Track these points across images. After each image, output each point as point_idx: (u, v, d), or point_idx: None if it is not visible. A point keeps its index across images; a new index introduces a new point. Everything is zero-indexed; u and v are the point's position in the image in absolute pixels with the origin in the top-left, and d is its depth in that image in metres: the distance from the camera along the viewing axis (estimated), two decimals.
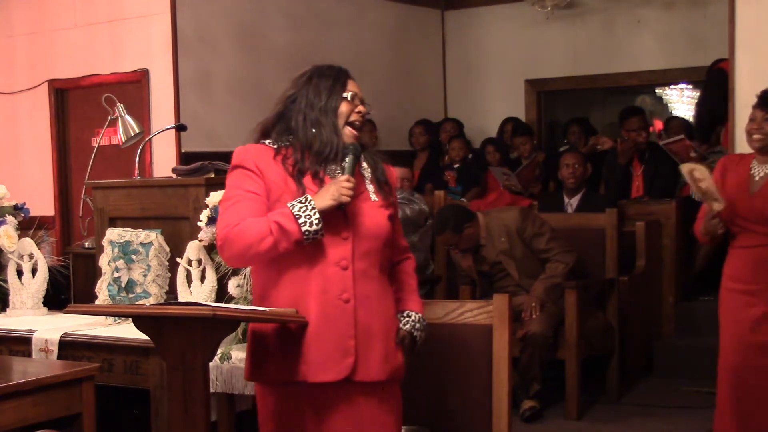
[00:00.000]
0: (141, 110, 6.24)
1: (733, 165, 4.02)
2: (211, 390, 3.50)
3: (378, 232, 2.71)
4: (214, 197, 3.98)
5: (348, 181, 2.63)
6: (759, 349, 3.89)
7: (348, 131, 2.73)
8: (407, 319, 2.80)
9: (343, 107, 2.72)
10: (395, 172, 2.89)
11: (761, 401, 3.89)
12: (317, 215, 2.58)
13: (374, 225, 2.70)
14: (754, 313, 3.89)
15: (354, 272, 2.66)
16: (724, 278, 4.03)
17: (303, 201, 2.61)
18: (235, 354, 3.70)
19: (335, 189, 2.61)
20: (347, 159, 2.69)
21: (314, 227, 2.58)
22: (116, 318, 4.18)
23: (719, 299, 4.05)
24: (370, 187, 2.75)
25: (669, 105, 10.06)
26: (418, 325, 2.80)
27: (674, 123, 7.55)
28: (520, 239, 5.42)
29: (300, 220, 2.58)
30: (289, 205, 2.61)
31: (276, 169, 2.70)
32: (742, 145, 4.01)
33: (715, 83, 5.79)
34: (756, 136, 3.89)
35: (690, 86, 9.39)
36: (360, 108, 2.75)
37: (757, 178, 3.93)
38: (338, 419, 2.68)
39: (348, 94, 2.73)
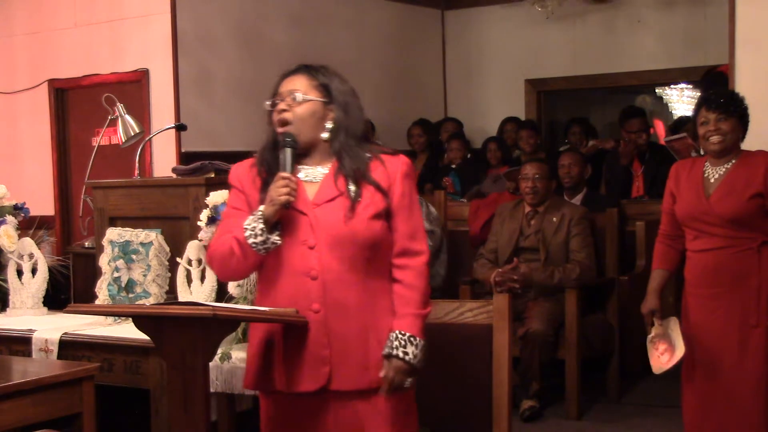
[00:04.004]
0: (141, 110, 6.24)
1: (686, 170, 4.01)
2: (211, 390, 3.51)
3: (352, 238, 2.60)
4: (214, 197, 3.98)
5: (281, 178, 2.57)
6: (723, 354, 3.88)
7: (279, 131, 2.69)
8: (386, 343, 2.63)
9: (273, 116, 2.70)
10: (397, 162, 2.71)
11: (730, 404, 3.89)
12: (261, 225, 2.57)
13: (346, 230, 2.60)
14: (717, 317, 3.89)
15: (324, 281, 2.59)
16: (686, 284, 4.03)
17: (256, 212, 2.61)
18: (235, 354, 3.70)
19: (272, 192, 2.58)
20: (282, 154, 2.64)
21: (259, 238, 2.57)
22: (116, 318, 4.18)
23: (682, 304, 4.05)
24: (351, 188, 2.64)
25: (669, 105, 10.06)
26: (396, 343, 2.61)
27: (689, 125, 7.52)
28: (567, 229, 5.53)
29: (246, 233, 2.58)
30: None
31: (253, 181, 2.72)
32: (744, 144, 4.01)
33: (714, 85, 5.79)
34: (714, 138, 3.85)
35: (690, 86, 9.39)
36: (278, 107, 2.68)
37: (712, 180, 3.92)
38: (324, 429, 2.66)
39: (269, 103, 2.70)
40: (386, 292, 2.67)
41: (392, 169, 2.69)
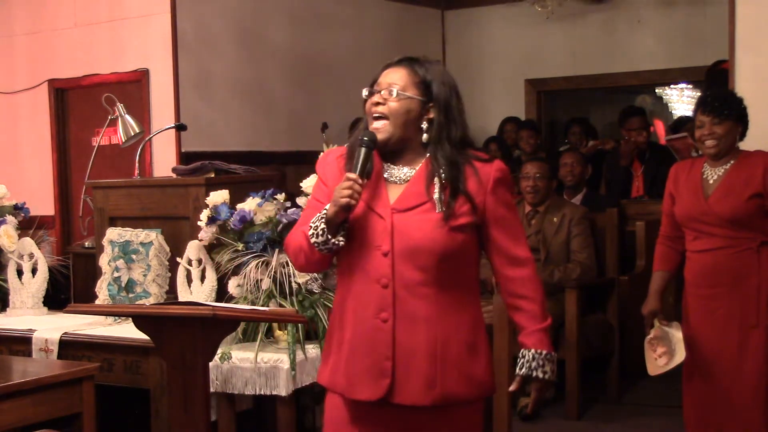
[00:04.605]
0: (141, 110, 6.24)
1: (685, 171, 4.03)
2: (211, 390, 3.51)
3: (430, 247, 2.45)
4: (214, 197, 3.98)
5: (347, 179, 2.43)
6: (723, 354, 3.88)
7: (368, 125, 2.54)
8: (521, 360, 2.55)
9: (366, 105, 2.55)
10: (490, 170, 2.53)
11: (730, 404, 3.89)
12: (323, 225, 2.46)
13: (424, 240, 2.45)
14: (717, 317, 3.90)
15: (395, 290, 2.46)
16: (686, 284, 4.03)
17: (323, 210, 2.50)
18: (235, 354, 3.70)
19: (336, 191, 2.45)
20: (357, 152, 2.48)
21: (320, 238, 2.46)
22: (116, 318, 4.19)
23: (682, 304, 4.06)
24: (441, 197, 2.47)
25: (669, 105, 10.06)
26: (534, 363, 2.53)
27: (689, 125, 7.53)
28: (567, 229, 5.55)
29: (309, 231, 2.50)
30: None
31: (340, 172, 2.56)
32: (743, 144, 4.01)
33: (717, 84, 5.79)
34: (709, 142, 3.87)
35: (690, 86, 9.39)
36: (371, 99, 2.53)
37: (711, 181, 3.93)
38: None
39: (366, 91, 2.56)
40: (463, 305, 2.53)
41: (484, 178, 2.51)
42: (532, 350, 2.55)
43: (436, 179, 2.48)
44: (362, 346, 2.50)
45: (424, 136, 2.52)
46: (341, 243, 2.48)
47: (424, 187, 2.49)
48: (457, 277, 2.52)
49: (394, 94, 2.50)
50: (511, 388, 2.59)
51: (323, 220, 2.47)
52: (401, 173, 2.54)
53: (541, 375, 2.55)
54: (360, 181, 2.44)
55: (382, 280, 2.47)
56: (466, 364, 2.51)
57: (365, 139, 2.48)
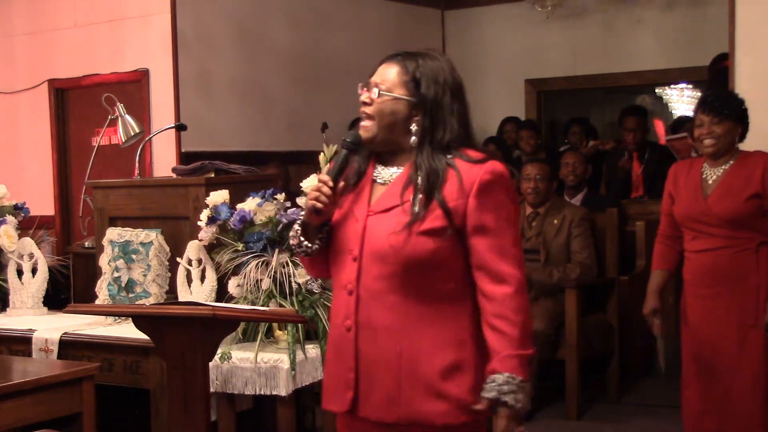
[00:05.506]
0: (141, 110, 6.24)
1: (684, 171, 4.04)
2: (211, 390, 3.51)
3: (392, 252, 2.28)
4: (214, 197, 3.99)
5: (319, 181, 2.35)
6: (722, 354, 3.89)
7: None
8: (490, 384, 2.23)
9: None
10: (477, 172, 2.30)
11: (729, 403, 3.89)
12: (298, 227, 2.42)
13: (387, 243, 2.29)
14: (716, 317, 3.90)
15: (358, 298, 2.33)
16: (685, 284, 4.04)
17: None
18: (235, 354, 3.70)
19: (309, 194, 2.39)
20: (338, 154, 2.41)
21: (294, 240, 2.43)
22: (116, 318, 4.19)
23: (681, 304, 4.06)
24: (417, 198, 2.30)
25: (669, 105, 10.06)
26: (506, 388, 2.21)
27: (689, 125, 7.54)
28: (567, 231, 5.57)
29: (290, 233, 2.48)
30: None
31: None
32: (743, 144, 4.01)
33: (720, 81, 5.79)
34: (707, 141, 3.88)
35: (690, 86, 9.39)
36: (360, 97, 2.39)
37: (710, 182, 3.93)
38: None
39: (361, 87, 2.41)
40: (443, 319, 2.32)
41: (468, 181, 2.29)
42: (505, 374, 2.22)
43: (415, 182, 2.32)
44: (333, 355, 2.43)
45: (412, 139, 2.35)
46: (315, 247, 2.41)
47: (401, 190, 2.34)
48: (433, 287, 2.31)
49: (376, 94, 2.35)
50: (477, 406, 2.26)
51: (300, 222, 2.43)
52: (387, 174, 2.40)
53: (511, 401, 2.21)
54: (330, 183, 2.35)
55: (348, 286, 2.36)
56: (441, 383, 2.29)
57: (347, 140, 2.38)
